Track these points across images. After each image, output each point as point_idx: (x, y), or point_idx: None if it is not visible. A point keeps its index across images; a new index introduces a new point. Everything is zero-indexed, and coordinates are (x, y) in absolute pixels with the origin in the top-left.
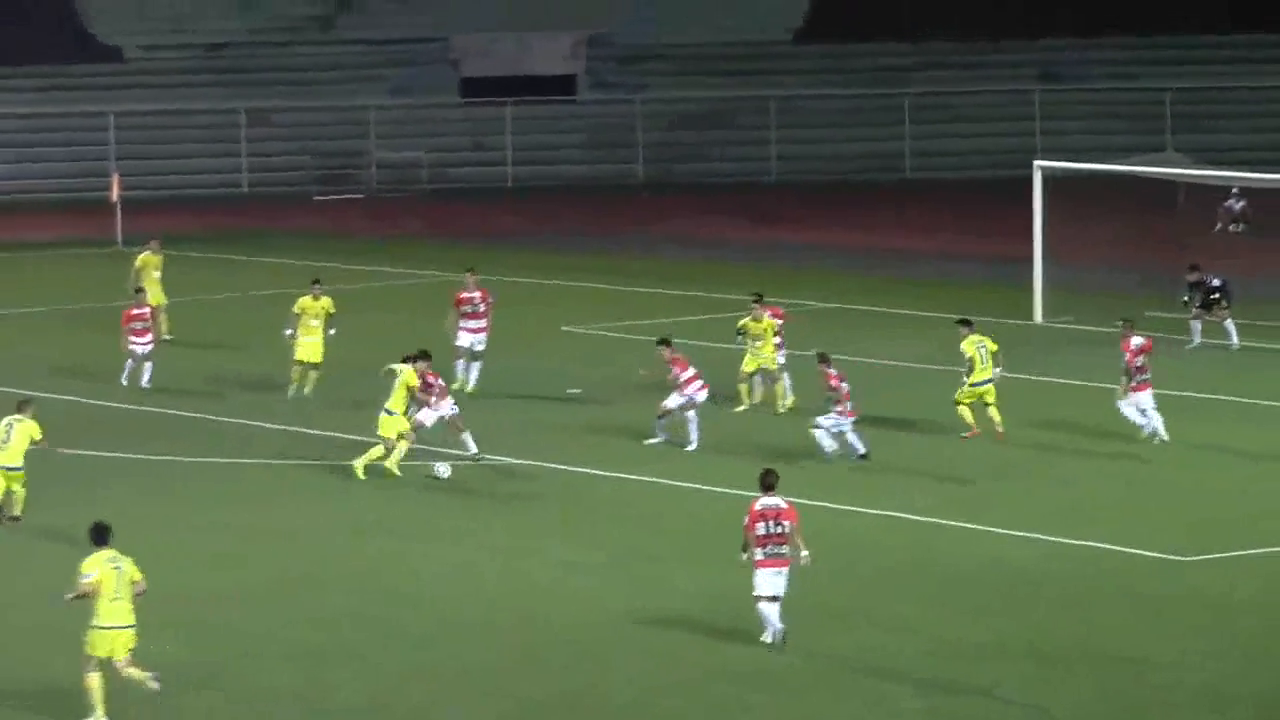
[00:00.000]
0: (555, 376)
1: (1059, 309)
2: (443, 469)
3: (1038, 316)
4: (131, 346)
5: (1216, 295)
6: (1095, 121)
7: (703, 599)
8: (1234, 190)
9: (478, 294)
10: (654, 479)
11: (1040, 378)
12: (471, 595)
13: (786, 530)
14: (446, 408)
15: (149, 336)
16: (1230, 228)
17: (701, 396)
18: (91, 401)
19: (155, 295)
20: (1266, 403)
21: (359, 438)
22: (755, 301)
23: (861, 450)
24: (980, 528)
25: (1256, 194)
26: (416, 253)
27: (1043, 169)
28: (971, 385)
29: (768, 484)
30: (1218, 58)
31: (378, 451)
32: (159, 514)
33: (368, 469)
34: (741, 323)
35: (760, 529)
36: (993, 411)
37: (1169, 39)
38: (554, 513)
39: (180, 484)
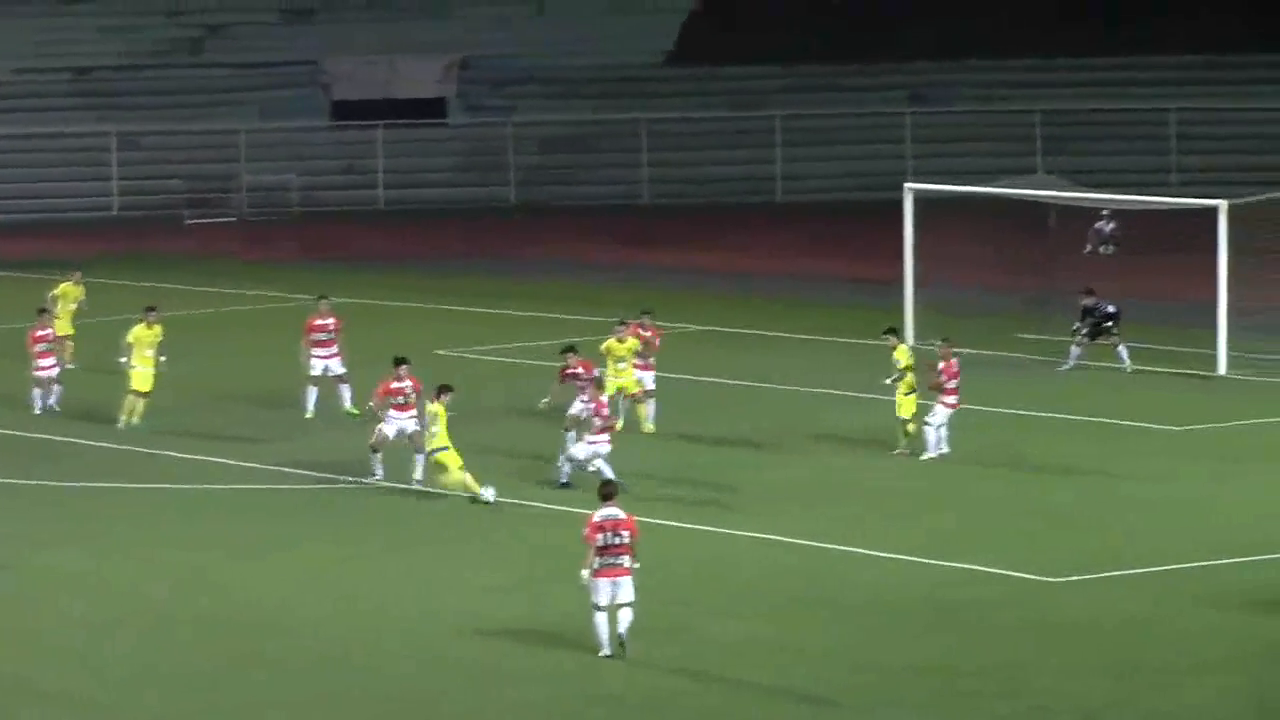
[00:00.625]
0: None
1: (930, 331)
2: (488, 493)
3: (909, 339)
4: (37, 373)
5: (1110, 324)
6: (965, 144)
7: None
8: (1104, 212)
9: (331, 320)
10: (530, 503)
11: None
12: (353, 621)
13: (625, 541)
14: (410, 423)
15: (52, 359)
16: (1100, 249)
17: (605, 449)
18: None
19: (65, 325)
20: (1144, 425)
21: (225, 461)
22: (620, 323)
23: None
24: (863, 551)
25: (1126, 216)
26: (288, 276)
27: (913, 191)
28: (904, 395)
29: (606, 494)
30: (1087, 80)
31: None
32: (28, 535)
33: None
34: (605, 344)
35: (599, 540)
36: (913, 426)
37: (1039, 61)
38: (427, 534)
39: (50, 508)
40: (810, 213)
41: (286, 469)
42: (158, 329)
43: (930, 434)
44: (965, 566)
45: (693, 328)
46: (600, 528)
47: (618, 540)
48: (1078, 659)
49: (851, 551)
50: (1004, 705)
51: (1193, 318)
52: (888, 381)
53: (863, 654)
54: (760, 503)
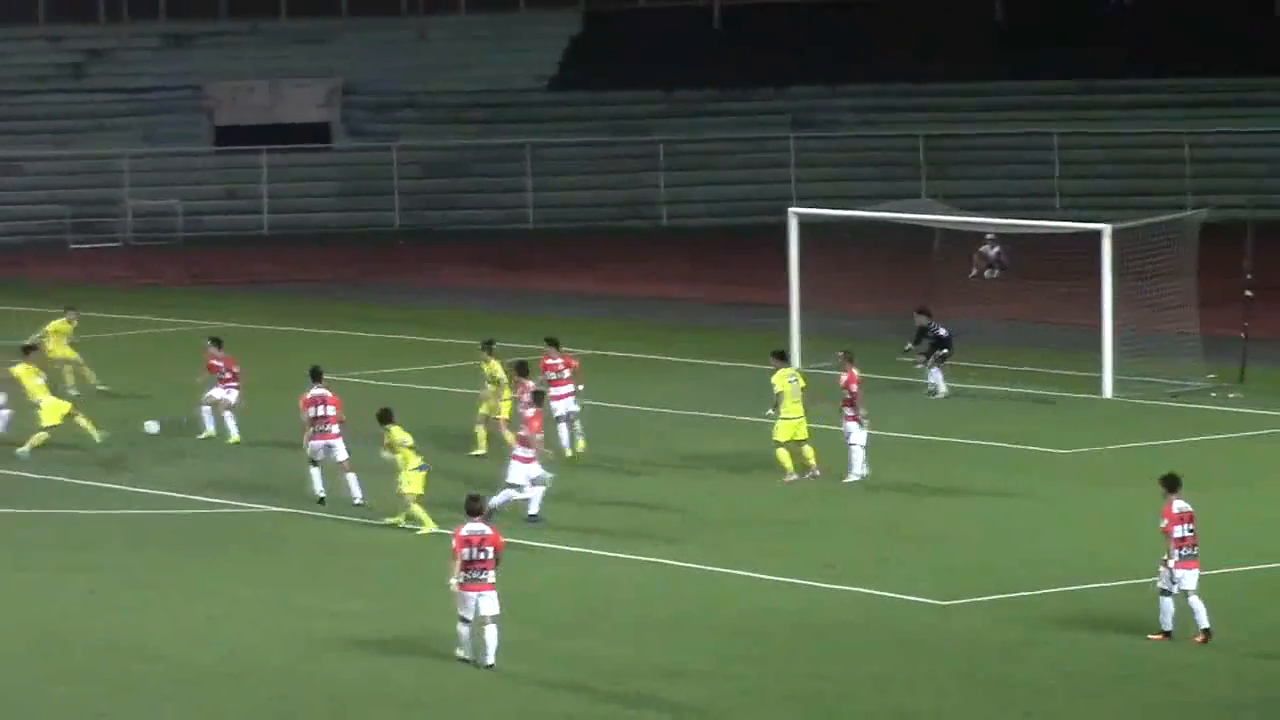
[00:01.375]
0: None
1: (815, 355)
2: (152, 426)
3: (794, 362)
4: None
5: (944, 350)
6: (849, 168)
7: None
8: (989, 236)
9: (223, 362)
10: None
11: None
12: (218, 647)
13: (490, 556)
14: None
15: None
16: (985, 273)
17: (541, 474)
18: None
19: (62, 349)
20: (1030, 448)
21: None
22: (484, 348)
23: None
24: (746, 574)
25: (1011, 239)
26: (173, 301)
27: (797, 215)
28: (784, 419)
29: (473, 510)
30: (970, 104)
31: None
32: None
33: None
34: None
35: (465, 554)
36: (808, 449)
37: (921, 86)
38: (302, 562)
39: None
40: (694, 237)
41: (172, 493)
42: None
43: (857, 454)
44: (850, 589)
45: (578, 352)
46: (467, 542)
47: (483, 555)
48: (962, 683)
49: (730, 574)
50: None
51: (1078, 342)
52: (769, 412)
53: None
54: (656, 526)
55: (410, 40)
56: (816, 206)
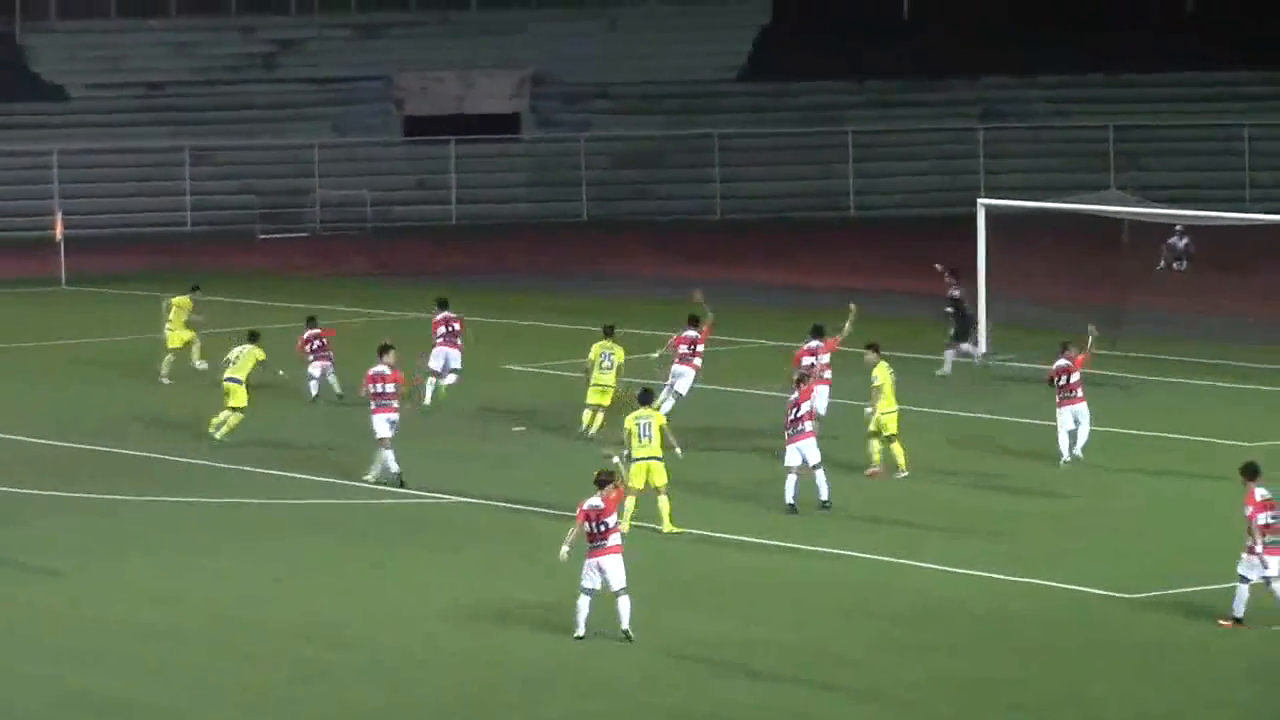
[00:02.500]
0: (499, 415)
1: (1003, 346)
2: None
3: (981, 350)
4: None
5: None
6: (1038, 159)
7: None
8: (1177, 228)
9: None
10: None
11: (984, 415)
12: (408, 633)
13: (611, 526)
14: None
15: None
16: (1174, 265)
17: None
18: (35, 440)
19: (178, 338)
20: (1219, 441)
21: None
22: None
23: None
24: (922, 565)
25: (1200, 231)
26: (362, 291)
27: (986, 206)
28: (883, 414)
29: (601, 481)
30: (1161, 95)
31: (667, 503)
32: (100, 549)
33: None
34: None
35: (587, 527)
36: (896, 446)
37: (1111, 76)
38: (499, 550)
39: (123, 521)
40: (883, 228)
41: (361, 484)
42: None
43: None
44: (1030, 581)
45: (757, 342)
46: (587, 516)
47: (602, 527)
48: (1147, 680)
49: (930, 569)
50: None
51: (1266, 334)
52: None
53: (931, 673)
54: (828, 518)
55: (600, 30)
56: (1006, 198)
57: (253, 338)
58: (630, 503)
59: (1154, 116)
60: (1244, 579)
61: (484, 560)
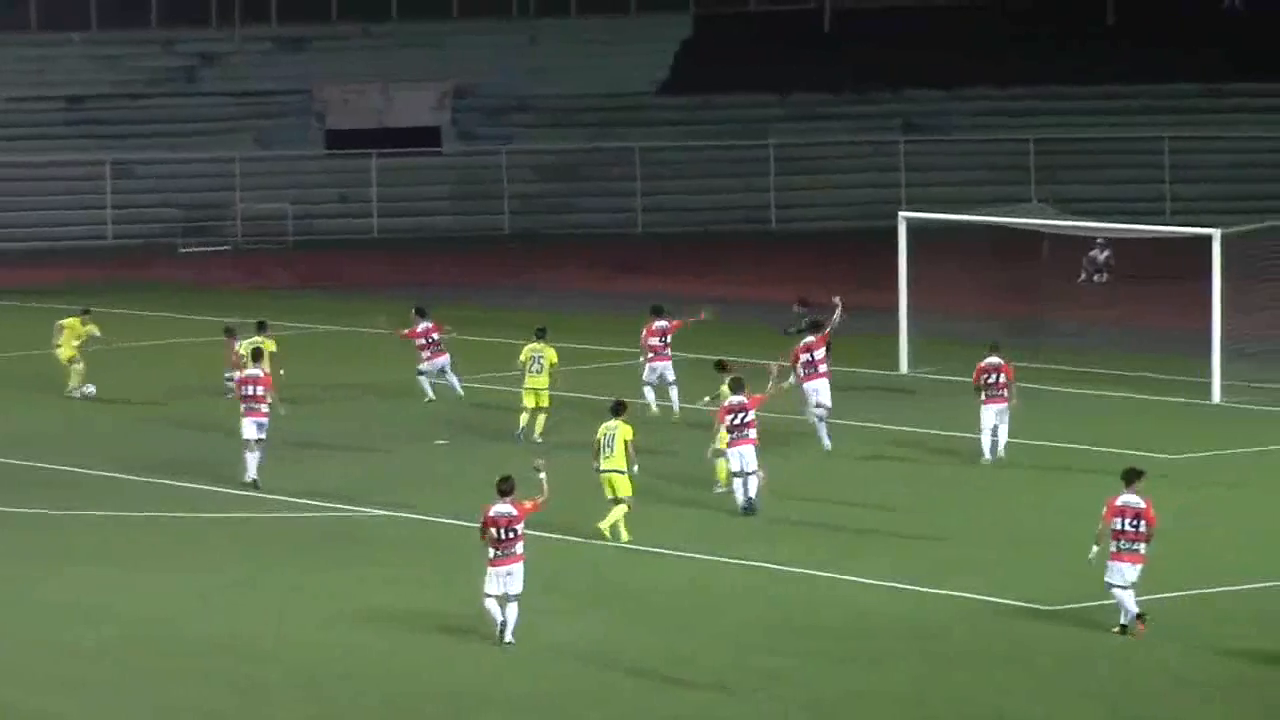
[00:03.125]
0: (422, 427)
1: (923, 359)
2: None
3: (903, 367)
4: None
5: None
6: (959, 172)
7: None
8: (1098, 240)
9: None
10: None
11: (904, 428)
12: (329, 646)
13: (518, 534)
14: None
15: None
16: (1094, 278)
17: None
18: None
19: (70, 348)
20: (1139, 453)
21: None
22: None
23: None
24: (846, 578)
25: (1120, 244)
26: (282, 304)
27: (907, 219)
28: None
29: (504, 490)
30: (1081, 108)
31: (622, 510)
32: (18, 564)
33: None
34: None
35: (493, 533)
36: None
37: (1033, 89)
38: (419, 562)
39: (41, 535)
40: (805, 241)
41: (280, 497)
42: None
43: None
44: (957, 594)
45: (679, 355)
46: (494, 522)
47: (510, 534)
48: (1066, 689)
49: (856, 582)
50: None
51: (1187, 346)
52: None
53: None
54: (757, 530)
55: (521, 44)
56: (928, 211)
57: (261, 328)
58: (620, 512)
59: (1075, 129)
60: (1112, 586)
61: (404, 572)
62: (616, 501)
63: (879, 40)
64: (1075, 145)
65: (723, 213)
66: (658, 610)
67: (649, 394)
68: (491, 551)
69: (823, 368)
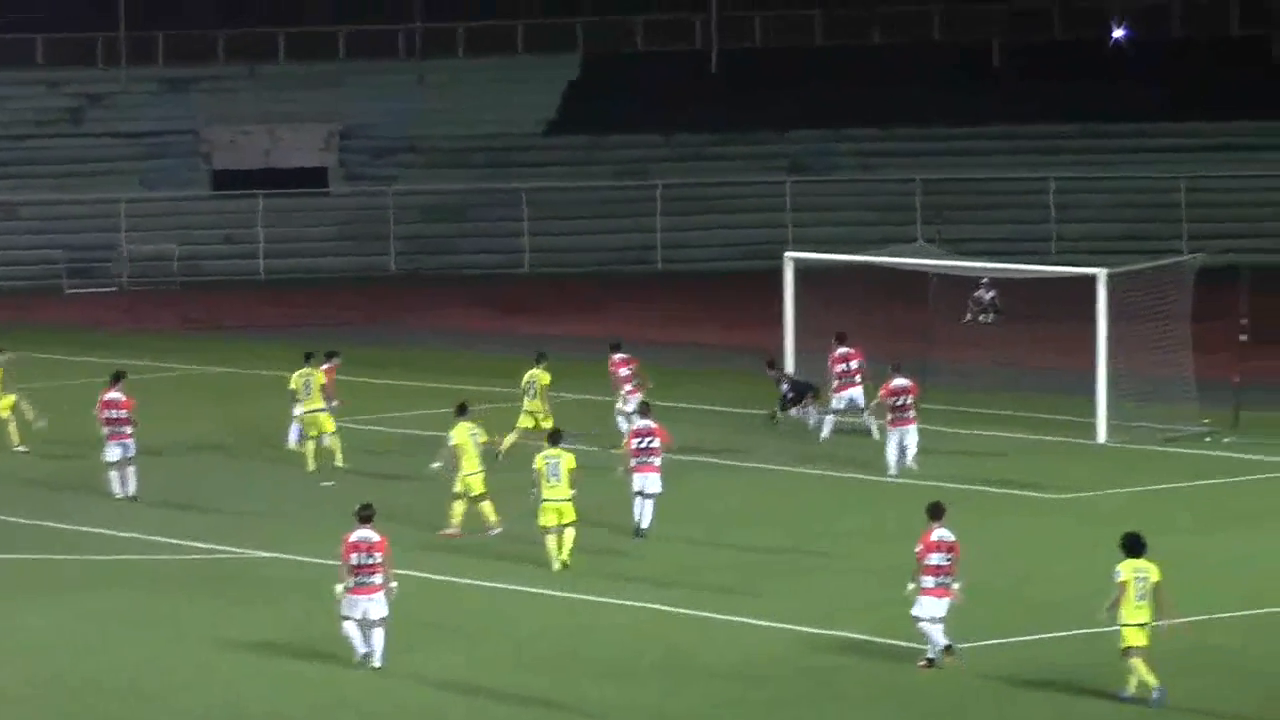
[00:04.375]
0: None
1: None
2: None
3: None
4: None
5: (800, 396)
6: (845, 213)
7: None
8: (983, 280)
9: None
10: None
11: (787, 468)
12: (214, 688)
13: (378, 560)
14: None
15: None
16: (980, 318)
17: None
18: None
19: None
20: (1024, 493)
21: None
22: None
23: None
24: (739, 620)
25: (1006, 284)
26: (169, 346)
27: (794, 260)
28: (468, 475)
29: (364, 517)
30: (967, 149)
31: (572, 536)
32: None
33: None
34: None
35: (354, 559)
36: (485, 505)
37: (916, 130)
38: (303, 604)
39: None
40: (692, 281)
41: (159, 538)
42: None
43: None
44: (843, 634)
45: (569, 396)
46: (355, 547)
47: (370, 560)
48: None
49: (739, 622)
50: None
51: (1072, 386)
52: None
53: None
54: (634, 572)
55: (409, 84)
56: (813, 251)
57: (308, 358)
58: (553, 541)
59: (961, 170)
60: (932, 620)
61: (286, 614)
62: (561, 529)
63: (765, 81)
64: (961, 185)
65: (610, 253)
66: (545, 651)
67: (623, 424)
68: (351, 580)
69: (858, 377)
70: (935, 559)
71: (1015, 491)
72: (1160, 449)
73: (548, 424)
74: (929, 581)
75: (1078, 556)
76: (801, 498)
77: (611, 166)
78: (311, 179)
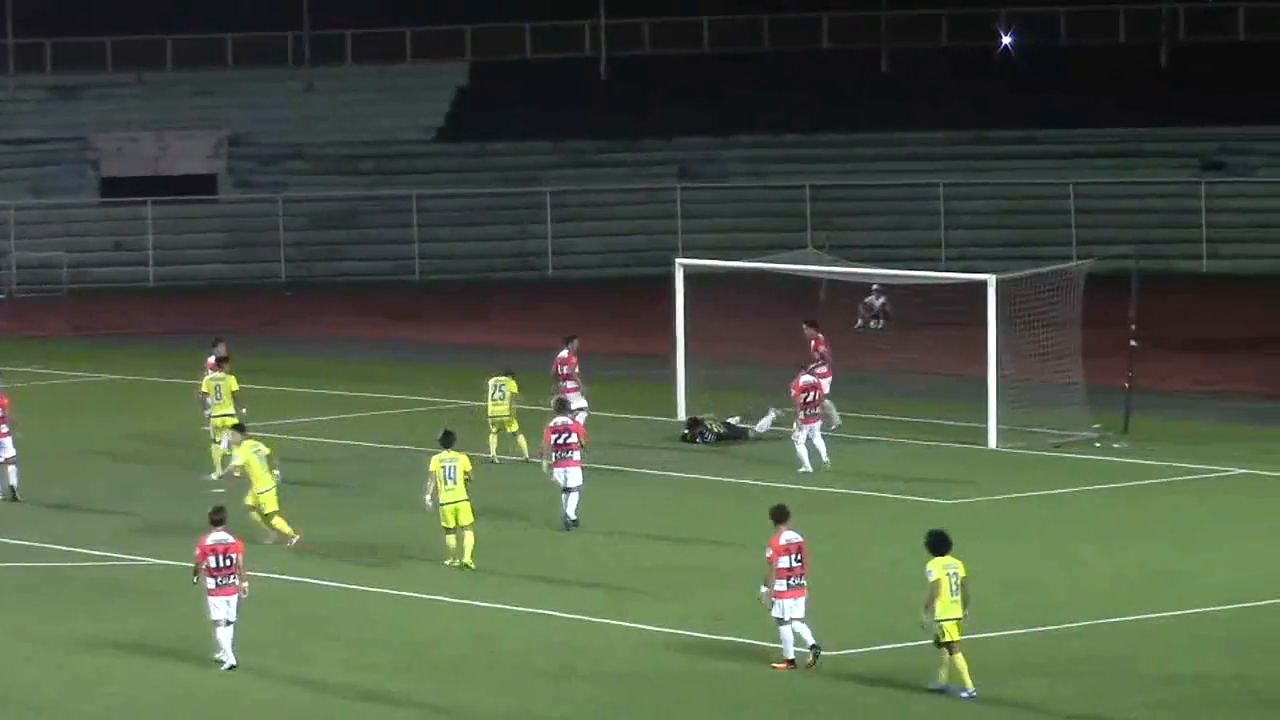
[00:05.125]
0: (194, 472)
1: (702, 406)
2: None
3: (680, 413)
4: None
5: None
6: (735, 219)
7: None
8: (874, 286)
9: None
10: (302, 579)
11: (682, 474)
12: (103, 698)
13: (235, 562)
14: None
15: None
16: (871, 323)
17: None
18: None
19: None
20: (913, 499)
21: None
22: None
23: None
24: (631, 625)
25: (896, 290)
26: (58, 353)
27: (684, 266)
28: (260, 493)
29: (217, 520)
30: (856, 155)
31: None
32: None
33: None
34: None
35: (211, 561)
36: (278, 520)
37: (805, 136)
38: (183, 614)
39: None
40: (581, 288)
41: (60, 546)
42: None
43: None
44: (735, 640)
45: (452, 403)
46: (212, 550)
47: (227, 563)
48: None
49: (617, 625)
50: None
51: (962, 391)
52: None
53: None
54: (534, 578)
55: (297, 91)
56: (703, 257)
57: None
58: (453, 541)
59: (850, 176)
60: (780, 621)
61: (177, 623)
62: (461, 530)
63: (654, 87)
64: (850, 191)
65: (499, 260)
66: (440, 658)
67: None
68: (211, 581)
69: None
70: (785, 561)
71: (905, 497)
72: (1051, 454)
73: (513, 428)
74: (781, 584)
75: (964, 561)
76: (697, 502)
77: (501, 173)
78: (200, 186)
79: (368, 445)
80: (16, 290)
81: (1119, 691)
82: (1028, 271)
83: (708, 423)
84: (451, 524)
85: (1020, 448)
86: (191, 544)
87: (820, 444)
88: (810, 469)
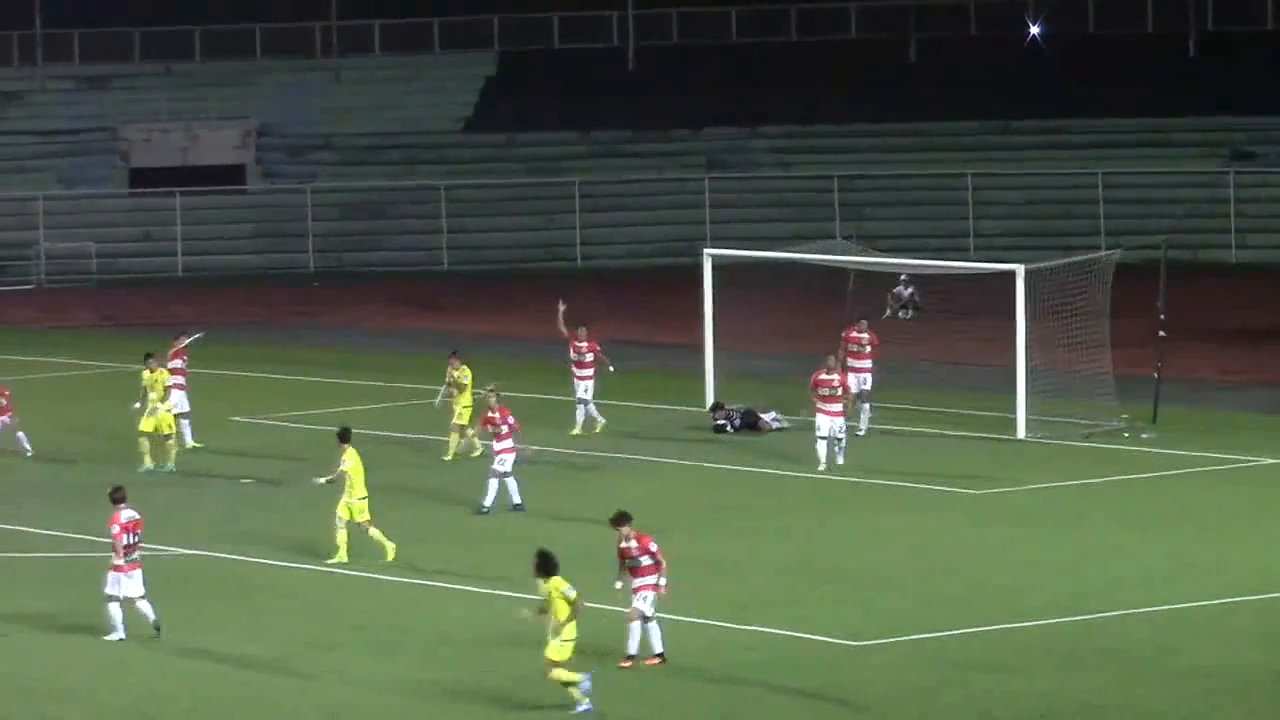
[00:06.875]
0: (226, 466)
1: (731, 396)
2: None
3: (710, 403)
4: None
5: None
6: (764, 209)
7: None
8: (902, 277)
9: None
10: (321, 569)
11: (707, 464)
12: (131, 689)
13: (141, 538)
14: None
15: None
16: (899, 314)
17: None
18: None
19: None
20: (943, 489)
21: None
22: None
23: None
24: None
25: (924, 280)
26: (86, 343)
27: (712, 256)
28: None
29: (118, 498)
30: (885, 145)
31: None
32: None
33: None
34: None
35: (125, 539)
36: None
37: (833, 127)
38: (218, 603)
39: None
40: (610, 278)
41: (84, 536)
42: None
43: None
44: (760, 629)
45: (479, 391)
46: (126, 528)
47: (137, 538)
48: None
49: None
50: None
51: (991, 382)
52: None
53: None
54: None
55: (325, 82)
56: (731, 247)
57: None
58: (342, 537)
59: (878, 166)
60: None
61: (198, 612)
62: (360, 525)
63: (682, 78)
64: (878, 182)
65: (527, 250)
66: (464, 644)
67: (580, 413)
68: (121, 559)
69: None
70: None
71: (934, 487)
72: (1080, 444)
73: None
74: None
75: (994, 551)
76: (721, 495)
77: (529, 164)
78: (229, 177)
79: (386, 434)
80: (46, 280)
81: (1149, 681)
82: (1056, 262)
83: (729, 410)
84: (346, 518)
85: (1049, 438)
86: (225, 534)
87: (840, 443)
88: (824, 465)
